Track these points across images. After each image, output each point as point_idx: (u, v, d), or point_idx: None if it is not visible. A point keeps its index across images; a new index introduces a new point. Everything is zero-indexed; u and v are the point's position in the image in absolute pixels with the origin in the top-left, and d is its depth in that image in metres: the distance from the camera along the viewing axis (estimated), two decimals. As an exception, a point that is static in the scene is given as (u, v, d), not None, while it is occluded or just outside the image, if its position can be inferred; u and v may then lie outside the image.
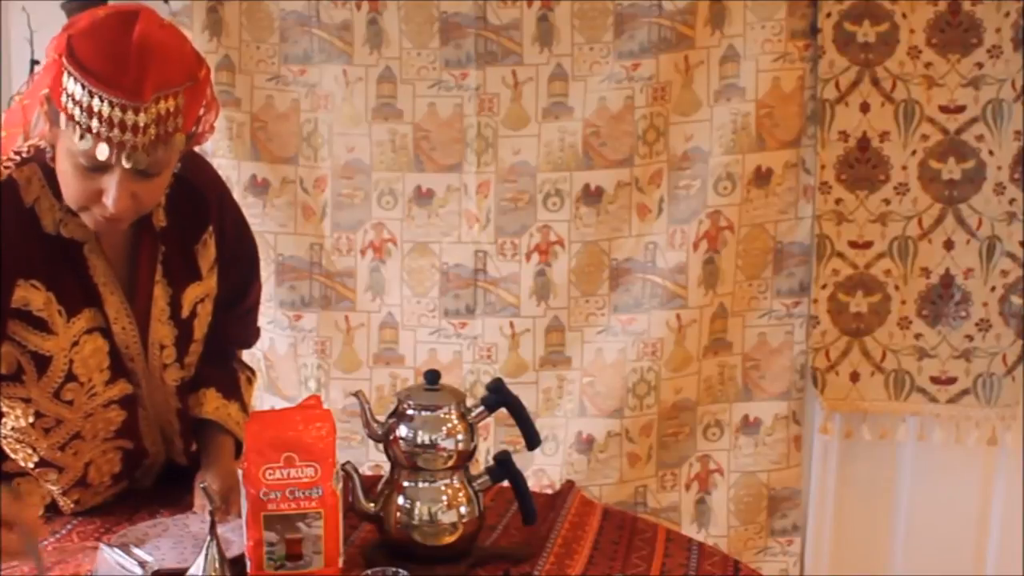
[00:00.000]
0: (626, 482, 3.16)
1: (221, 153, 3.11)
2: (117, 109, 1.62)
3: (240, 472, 1.69)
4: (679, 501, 3.22)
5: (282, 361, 3.23)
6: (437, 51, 3.05)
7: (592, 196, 3.08)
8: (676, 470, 3.21)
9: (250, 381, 2.17)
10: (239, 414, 2.04)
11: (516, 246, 3.11)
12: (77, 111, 1.64)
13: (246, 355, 2.37)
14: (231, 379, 2.10)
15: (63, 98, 1.65)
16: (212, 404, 2.02)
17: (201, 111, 1.75)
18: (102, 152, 1.64)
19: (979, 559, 3.22)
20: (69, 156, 1.69)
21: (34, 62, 3.16)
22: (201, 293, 1.97)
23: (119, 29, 1.66)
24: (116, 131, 1.63)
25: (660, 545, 1.89)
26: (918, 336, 3.12)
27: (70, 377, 1.84)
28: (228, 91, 3.09)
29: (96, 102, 1.62)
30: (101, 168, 1.68)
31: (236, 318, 2.12)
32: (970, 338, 3.09)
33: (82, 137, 1.64)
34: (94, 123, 1.63)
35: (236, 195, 3.10)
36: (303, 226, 3.18)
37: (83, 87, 1.63)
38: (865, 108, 3.05)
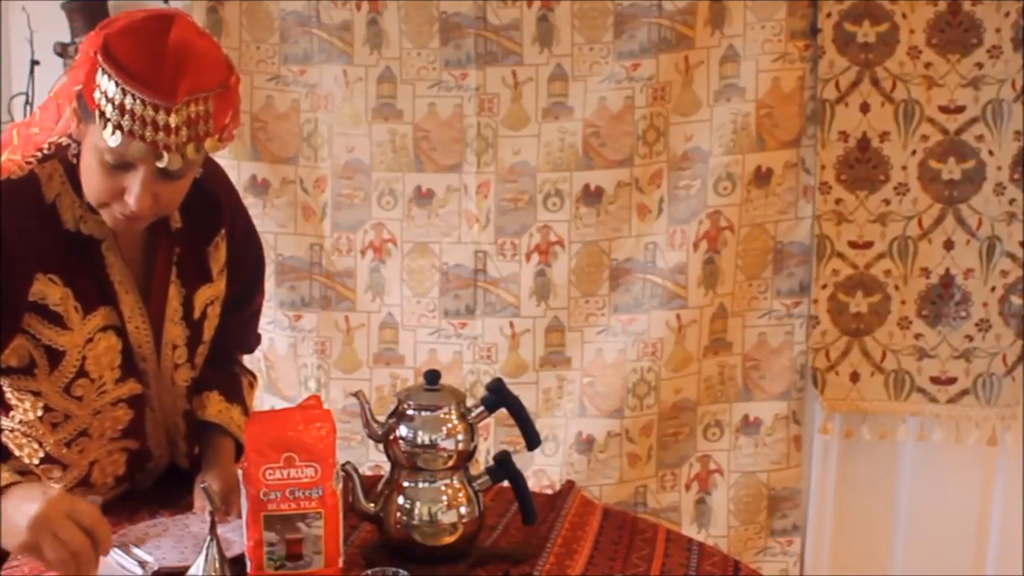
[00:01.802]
0: (626, 482, 3.16)
1: (221, 153, 3.10)
2: (149, 108, 1.64)
3: (240, 473, 1.69)
4: (679, 501, 3.22)
5: (282, 361, 3.24)
6: (437, 51, 3.06)
7: (592, 196, 3.08)
8: (676, 470, 3.21)
9: (251, 385, 2.17)
10: (241, 418, 2.05)
11: (516, 246, 3.11)
12: (110, 108, 1.65)
13: (247, 357, 2.37)
14: (234, 383, 2.11)
15: (96, 95, 1.67)
16: (215, 407, 2.03)
17: (228, 118, 1.76)
18: (137, 150, 1.66)
19: (979, 559, 3.22)
20: (95, 153, 1.71)
21: (34, 62, 3.16)
22: (212, 295, 1.98)
23: (156, 31, 1.68)
24: (149, 130, 1.65)
25: (660, 545, 1.89)
26: (918, 336, 3.12)
27: (81, 373, 1.85)
28: (228, 91, 3.09)
29: (129, 100, 1.64)
30: (126, 166, 1.70)
31: (240, 322, 2.13)
32: (970, 338, 3.09)
33: (114, 134, 1.66)
34: (126, 121, 1.65)
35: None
36: (303, 226, 3.18)
37: (117, 84, 1.65)
38: (865, 108, 3.05)
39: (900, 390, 3.14)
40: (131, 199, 1.71)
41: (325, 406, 1.79)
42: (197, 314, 1.96)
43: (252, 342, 2.25)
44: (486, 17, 3.03)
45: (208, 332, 2.00)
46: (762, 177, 3.10)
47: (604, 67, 3.03)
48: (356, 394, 1.83)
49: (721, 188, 3.08)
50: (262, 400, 3.24)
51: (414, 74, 3.07)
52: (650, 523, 2.02)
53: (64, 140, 1.79)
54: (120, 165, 1.70)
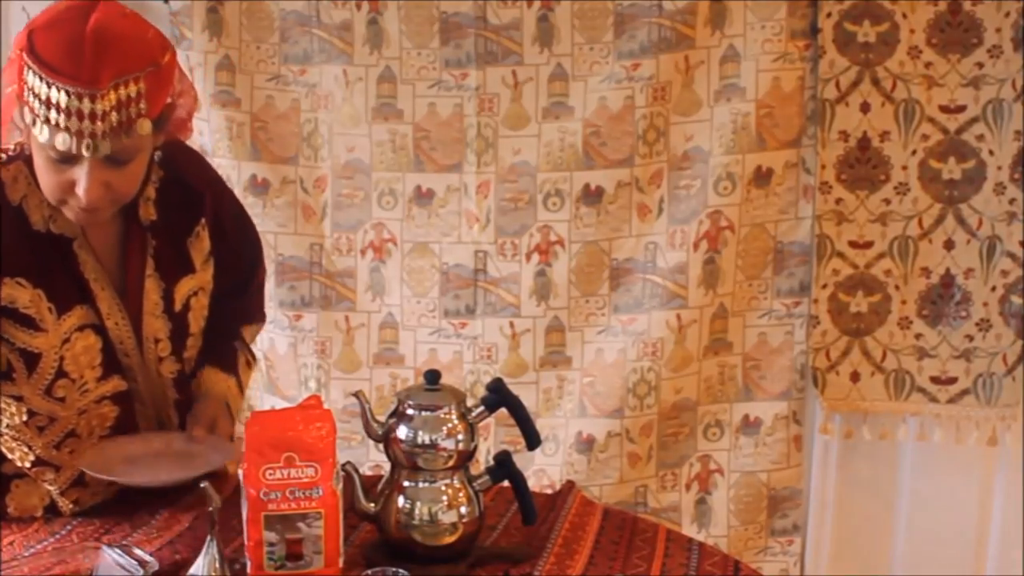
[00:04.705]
0: (626, 482, 3.16)
1: (221, 153, 3.11)
2: (74, 98, 1.64)
3: (240, 472, 1.69)
4: (679, 501, 3.22)
5: (282, 361, 3.24)
6: (437, 51, 3.05)
7: (592, 196, 3.08)
8: (676, 470, 3.21)
9: (249, 364, 2.16)
10: (236, 389, 2.05)
11: (516, 246, 3.11)
12: (37, 103, 1.66)
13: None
14: (230, 356, 2.10)
15: (25, 92, 1.68)
16: (210, 380, 2.03)
17: (170, 97, 1.76)
18: (62, 142, 1.66)
19: (979, 559, 3.22)
20: (40, 150, 1.72)
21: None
22: (194, 286, 1.98)
23: (75, 20, 1.68)
24: (75, 120, 1.65)
25: (660, 545, 1.89)
26: (918, 336, 3.12)
27: (61, 374, 1.85)
28: (228, 91, 3.09)
29: (54, 93, 1.65)
30: (71, 159, 1.71)
31: (248, 298, 2.15)
32: (970, 338, 3.09)
33: (42, 130, 1.66)
34: (52, 114, 1.65)
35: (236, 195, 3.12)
36: (303, 226, 3.18)
37: (41, 79, 1.65)
38: (865, 108, 3.05)
39: (900, 390, 3.14)
40: (80, 191, 1.72)
41: (325, 406, 1.79)
42: (179, 307, 1.96)
43: (257, 312, 2.25)
44: (486, 17, 3.03)
45: (195, 324, 1.99)
46: (762, 177, 3.10)
47: (604, 67, 3.03)
48: (356, 394, 1.83)
49: (721, 188, 3.08)
50: (262, 400, 3.25)
51: (414, 74, 3.07)
52: (650, 523, 2.02)
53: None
54: (65, 159, 1.71)
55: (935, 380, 3.13)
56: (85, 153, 1.67)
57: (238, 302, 2.13)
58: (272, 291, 3.16)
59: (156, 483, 1.83)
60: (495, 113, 3.07)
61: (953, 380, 3.12)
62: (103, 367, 1.88)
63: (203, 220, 1.98)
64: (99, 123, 1.65)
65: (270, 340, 3.20)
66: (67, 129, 1.65)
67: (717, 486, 3.23)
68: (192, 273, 1.97)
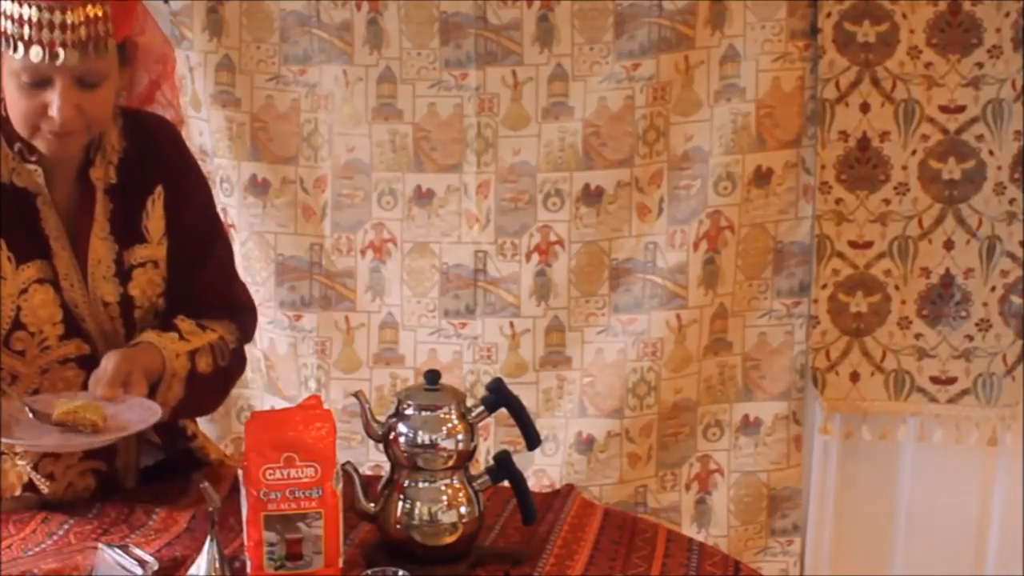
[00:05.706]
0: (626, 482, 3.16)
1: (221, 153, 3.11)
2: (46, 11, 1.74)
3: (240, 472, 1.69)
4: (679, 501, 3.22)
5: (282, 361, 3.23)
6: (437, 51, 3.05)
7: (592, 196, 3.08)
8: (676, 470, 3.21)
9: (204, 328, 2.02)
10: (171, 332, 1.96)
11: (516, 246, 3.11)
12: (9, 25, 1.75)
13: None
14: (168, 324, 2.00)
15: None
16: (144, 334, 1.96)
17: (132, 33, 1.85)
18: (35, 54, 1.75)
19: (979, 559, 3.22)
20: (13, 77, 1.79)
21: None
22: (144, 257, 1.98)
23: None
24: (46, 31, 1.74)
25: (660, 545, 1.89)
26: (918, 336, 3.12)
27: (19, 325, 1.87)
28: (228, 91, 3.09)
29: (26, 10, 1.75)
30: (43, 83, 1.78)
31: (203, 282, 2.06)
32: (970, 338, 3.09)
33: (15, 48, 1.75)
34: (25, 30, 1.75)
35: (236, 195, 3.13)
36: (303, 226, 3.18)
37: (12, 0, 1.75)
38: (865, 108, 3.05)
39: (900, 390, 3.14)
40: (54, 111, 1.79)
41: (325, 406, 1.79)
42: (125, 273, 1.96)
43: (225, 293, 2.12)
44: (486, 17, 3.03)
45: (139, 296, 1.97)
46: (762, 177, 3.10)
47: (604, 67, 3.03)
48: (356, 394, 1.83)
49: (721, 188, 3.08)
50: (262, 400, 3.25)
51: (414, 74, 3.07)
52: (650, 523, 2.02)
53: None
54: (37, 82, 1.78)
55: (935, 380, 3.12)
56: (57, 62, 1.75)
57: (195, 284, 2.04)
58: (272, 291, 3.17)
59: (64, 448, 1.80)
60: (495, 113, 3.07)
61: (953, 380, 3.12)
62: (64, 325, 1.90)
63: (159, 189, 1.99)
64: (69, 34, 1.75)
65: (270, 340, 3.20)
66: (39, 42, 1.74)
67: (717, 486, 3.23)
68: (143, 243, 1.98)
